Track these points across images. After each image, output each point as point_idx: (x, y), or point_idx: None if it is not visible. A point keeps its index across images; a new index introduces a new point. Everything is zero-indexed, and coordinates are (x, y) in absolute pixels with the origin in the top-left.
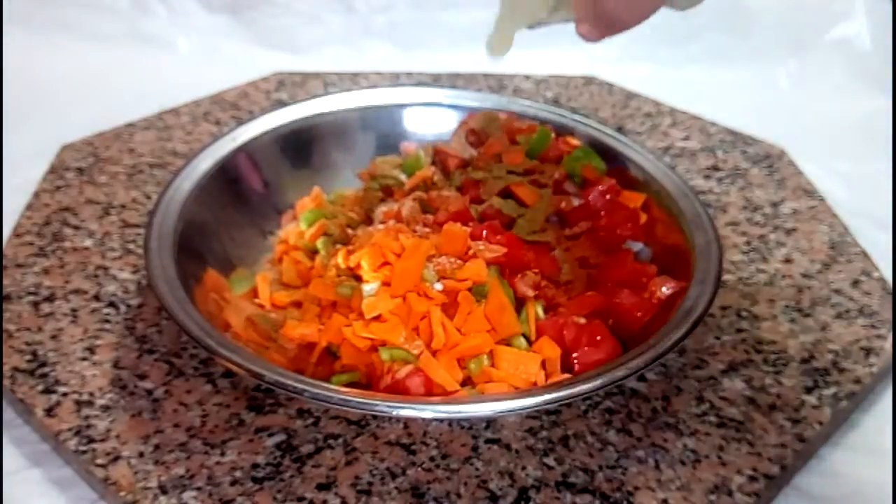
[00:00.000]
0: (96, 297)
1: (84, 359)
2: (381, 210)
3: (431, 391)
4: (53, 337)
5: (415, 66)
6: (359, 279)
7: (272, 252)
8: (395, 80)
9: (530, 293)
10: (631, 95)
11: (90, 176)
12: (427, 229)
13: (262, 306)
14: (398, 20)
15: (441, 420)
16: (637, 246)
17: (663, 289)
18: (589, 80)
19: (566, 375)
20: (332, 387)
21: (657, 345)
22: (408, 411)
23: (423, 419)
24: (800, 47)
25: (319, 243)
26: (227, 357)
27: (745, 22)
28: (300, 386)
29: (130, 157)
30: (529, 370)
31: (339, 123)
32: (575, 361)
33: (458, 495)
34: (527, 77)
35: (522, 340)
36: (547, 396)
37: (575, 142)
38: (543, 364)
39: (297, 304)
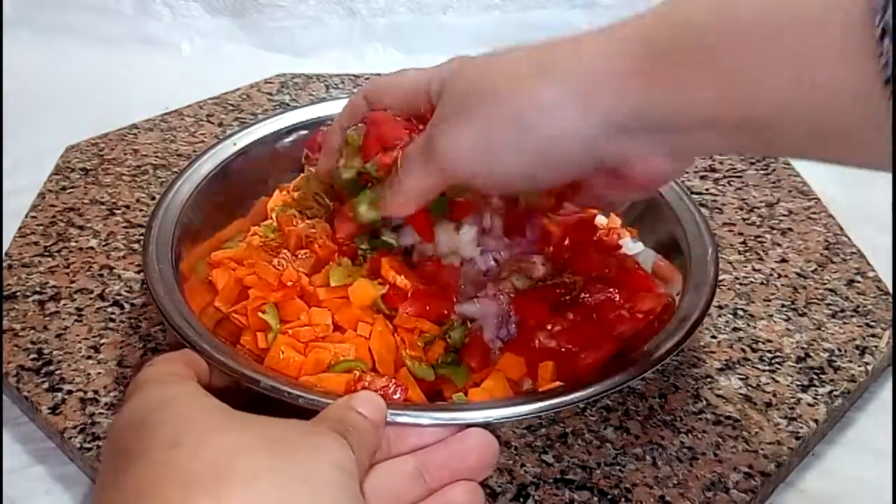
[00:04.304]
0: (101, 297)
1: (89, 357)
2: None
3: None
4: (59, 335)
5: None
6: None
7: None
8: None
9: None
10: None
11: (95, 176)
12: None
13: (219, 310)
14: (398, 23)
15: (439, 426)
16: (638, 247)
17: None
18: None
19: (558, 383)
20: (328, 392)
21: (653, 351)
22: (405, 418)
23: (422, 426)
24: None
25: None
26: (224, 363)
27: None
28: (295, 392)
29: (135, 158)
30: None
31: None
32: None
33: None
34: None
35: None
36: (543, 403)
37: None
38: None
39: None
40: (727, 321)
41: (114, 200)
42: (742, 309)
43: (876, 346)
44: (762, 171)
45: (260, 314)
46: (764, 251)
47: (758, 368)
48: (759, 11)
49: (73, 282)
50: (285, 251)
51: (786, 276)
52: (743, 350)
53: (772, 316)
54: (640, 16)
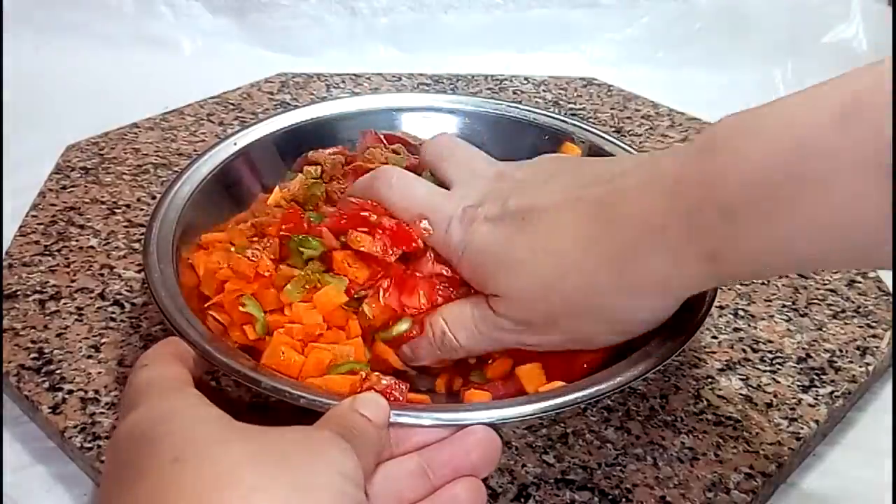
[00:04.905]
0: (101, 296)
1: (89, 356)
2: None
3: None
4: (59, 335)
5: (416, 68)
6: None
7: None
8: (397, 81)
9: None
10: (630, 97)
11: (95, 176)
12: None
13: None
14: (400, 22)
15: (441, 426)
16: None
17: None
18: (588, 82)
19: (559, 383)
20: (330, 393)
21: (654, 352)
22: (407, 419)
23: (423, 426)
24: (797, 50)
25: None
26: (226, 364)
27: (743, 24)
28: (297, 393)
29: (135, 158)
30: None
31: (338, 128)
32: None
33: None
34: (526, 79)
35: None
36: (544, 404)
37: None
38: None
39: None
40: (728, 321)
41: (114, 200)
42: (743, 309)
43: (877, 347)
44: None
45: (241, 308)
46: None
47: (758, 369)
48: (781, 171)
49: (73, 281)
50: (258, 242)
51: (786, 276)
52: (744, 350)
53: (773, 316)
54: (671, 187)
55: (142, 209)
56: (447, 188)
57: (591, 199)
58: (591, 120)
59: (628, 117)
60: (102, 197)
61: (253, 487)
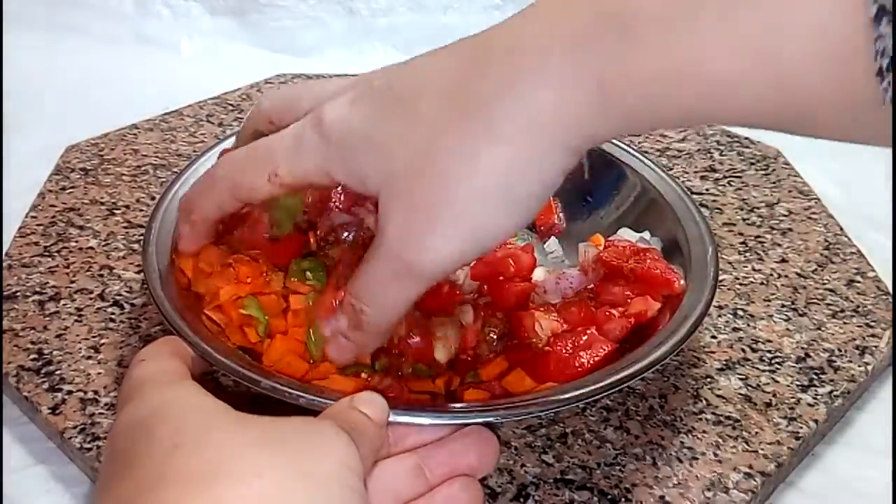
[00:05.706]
0: (101, 297)
1: (89, 357)
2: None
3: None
4: (59, 336)
5: None
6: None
7: None
8: None
9: None
10: None
11: (95, 177)
12: None
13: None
14: (399, 23)
15: (440, 426)
16: (647, 235)
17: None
18: None
19: (551, 384)
20: (330, 392)
21: (653, 351)
22: (406, 418)
23: (422, 426)
24: None
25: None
26: (225, 364)
27: None
28: (296, 392)
29: (135, 158)
30: None
31: None
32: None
33: None
34: None
35: None
36: (544, 403)
37: None
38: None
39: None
40: (727, 321)
41: (114, 200)
42: (742, 309)
43: (876, 346)
44: (762, 171)
45: (241, 310)
46: (764, 251)
47: (758, 368)
48: None
49: (73, 282)
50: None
51: (786, 276)
52: (743, 350)
53: (772, 316)
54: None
55: (141, 210)
56: None
57: (466, 45)
58: None
59: None
60: (102, 198)
61: (254, 473)
